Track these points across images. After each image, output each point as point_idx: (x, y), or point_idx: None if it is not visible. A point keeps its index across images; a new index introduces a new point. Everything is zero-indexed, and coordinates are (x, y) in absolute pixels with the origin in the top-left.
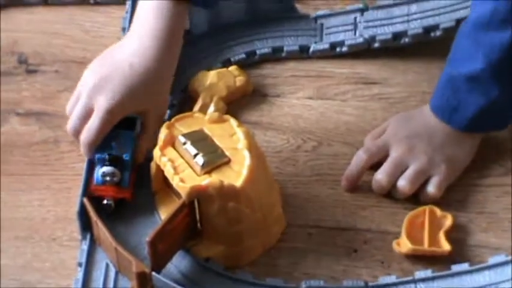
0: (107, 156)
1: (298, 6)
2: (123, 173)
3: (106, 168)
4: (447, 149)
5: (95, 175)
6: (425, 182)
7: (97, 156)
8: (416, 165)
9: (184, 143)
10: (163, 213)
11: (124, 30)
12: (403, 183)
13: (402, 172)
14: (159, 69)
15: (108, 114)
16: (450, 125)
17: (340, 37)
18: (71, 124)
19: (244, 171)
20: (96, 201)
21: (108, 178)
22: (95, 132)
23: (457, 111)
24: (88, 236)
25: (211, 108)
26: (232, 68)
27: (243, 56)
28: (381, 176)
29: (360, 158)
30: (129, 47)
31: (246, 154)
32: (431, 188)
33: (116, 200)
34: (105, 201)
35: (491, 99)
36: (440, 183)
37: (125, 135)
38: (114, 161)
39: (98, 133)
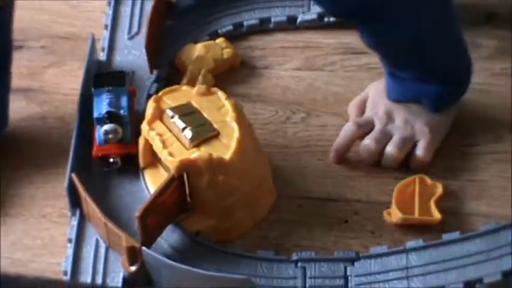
0: (105, 115)
1: None
2: (124, 128)
3: (108, 126)
4: (427, 114)
5: (96, 136)
6: (413, 149)
7: (95, 116)
8: (400, 132)
9: (172, 117)
10: (153, 188)
11: (110, 4)
12: (390, 149)
13: (389, 140)
14: None
15: None
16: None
17: None
18: None
19: (233, 144)
20: (102, 161)
21: (110, 136)
22: None
23: (418, 100)
24: (78, 212)
25: (199, 81)
26: (220, 40)
27: (230, 27)
28: (368, 141)
29: (348, 130)
30: None
31: (235, 126)
32: (419, 152)
33: (122, 157)
34: (111, 160)
35: (442, 89)
36: (427, 146)
37: (117, 92)
38: (113, 118)
39: None
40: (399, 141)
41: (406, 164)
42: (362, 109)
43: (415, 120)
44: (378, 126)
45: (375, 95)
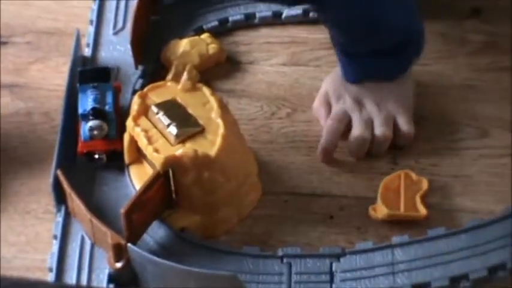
0: (90, 111)
1: None
2: (109, 125)
3: (92, 122)
4: (387, 91)
5: (81, 132)
6: (395, 128)
7: (80, 112)
8: (377, 115)
9: (157, 113)
10: (138, 185)
11: None
12: (380, 130)
13: (372, 126)
14: None
15: None
16: (381, 81)
17: None
18: None
19: (218, 140)
20: (87, 158)
21: (96, 132)
22: None
23: (375, 74)
24: (63, 209)
25: (184, 77)
26: (205, 36)
27: (216, 23)
28: (358, 130)
29: (332, 127)
30: None
31: (220, 123)
32: (404, 127)
33: (107, 153)
34: (96, 156)
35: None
36: (407, 120)
37: (102, 88)
38: (98, 114)
39: None
40: (384, 121)
41: (392, 159)
42: (329, 106)
43: (383, 99)
44: (355, 115)
45: (334, 88)
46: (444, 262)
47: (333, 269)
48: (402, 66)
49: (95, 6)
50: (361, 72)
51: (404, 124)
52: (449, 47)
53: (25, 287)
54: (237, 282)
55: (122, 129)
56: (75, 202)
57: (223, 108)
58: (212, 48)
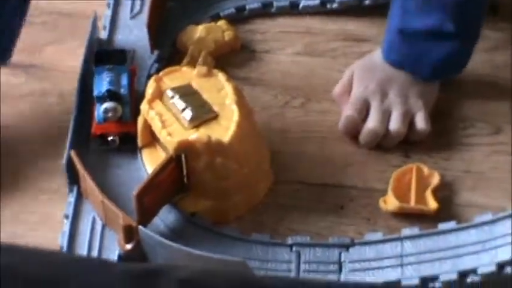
0: (105, 93)
1: None
2: (123, 107)
3: (108, 104)
4: (415, 86)
5: (96, 114)
6: (410, 123)
7: (95, 94)
8: (397, 108)
9: (172, 97)
10: (150, 168)
11: None
12: (394, 126)
13: (389, 117)
14: None
15: None
16: (415, 76)
17: None
18: None
19: (232, 127)
20: (101, 140)
21: (110, 114)
22: None
23: (419, 64)
24: (75, 189)
25: (200, 63)
26: (221, 23)
27: (233, 10)
28: (372, 123)
29: (349, 119)
30: None
31: (234, 109)
32: (420, 125)
33: (121, 136)
34: (110, 138)
35: (452, 50)
36: (425, 117)
37: (118, 70)
38: (113, 97)
39: None
40: (400, 117)
41: (404, 152)
42: (350, 90)
43: (408, 92)
44: (374, 104)
45: (361, 73)
46: (453, 256)
47: (342, 259)
48: (451, 61)
49: None
50: (407, 54)
51: (421, 121)
52: None
53: (40, 257)
54: (245, 268)
55: (136, 112)
56: (87, 183)
57: (239, 94)
58: (228, 35)
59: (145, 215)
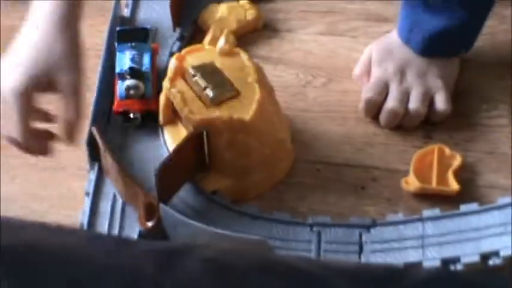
0: (128, 70)
1: None
2: (145, 85)
3: (130, 82)
4: (434, 66)
5: (118, 91)
6: (431, 104)
7: (117, 71)
8: (417, 88)
9: (194, 75)
10: (172, 145)
11: None
12: (414, 105)
13: (408, 97)
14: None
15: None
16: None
17: None
18: None
19: (254, 105)
20: (122, 117)
21: (132, 91)
22: None
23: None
24: (96, 166)
25: (221, 41)
26: (244, 2)
27: None
28: (392, 103)
29: (371, 101)
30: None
31: (256, 88)
32: (441, 105)
33: (143, 113)
34: (131, 115)
35: (457, 23)
36: (445, 98)
37: (140, 47)
38: (135, 74)
39: None
40: (420, 96)
41: (426, 133)
42: (369, 71)
43: (426, 72)
44: (394, 85)
45: (379, 54)
46: (475, 238)
47: (363, 239)
48: (471, 33)
49: None
50: (432, 28)
51: (441, 102)
52: (489, 24)
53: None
54: (266, 247)
55: (158, 90)
56: (108, 160)
57: (260, 73)
58: (250, 14)
59: (166, 193)
